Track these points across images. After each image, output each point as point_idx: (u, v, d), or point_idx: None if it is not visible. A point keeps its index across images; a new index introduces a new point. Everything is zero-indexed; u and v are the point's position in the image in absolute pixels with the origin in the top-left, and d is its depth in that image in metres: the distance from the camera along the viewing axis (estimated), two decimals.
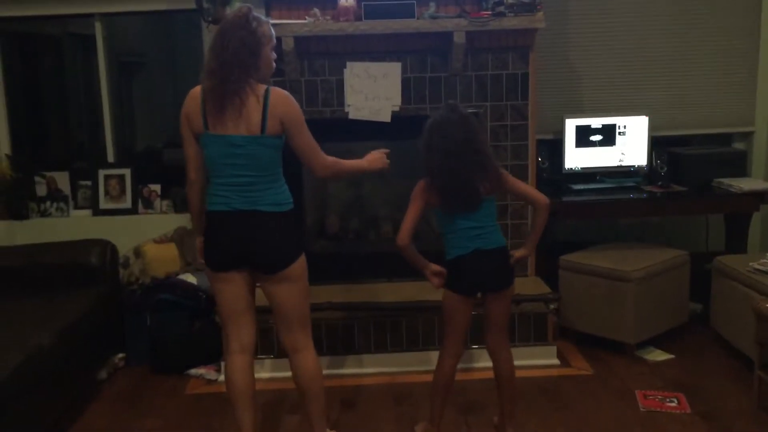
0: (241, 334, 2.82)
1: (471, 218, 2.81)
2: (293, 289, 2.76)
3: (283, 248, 2.71)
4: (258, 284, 2.81)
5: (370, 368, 3.78)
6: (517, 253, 2.96)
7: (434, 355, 3.57)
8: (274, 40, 2.73)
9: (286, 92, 2.66)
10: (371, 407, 3.45)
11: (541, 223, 2.93)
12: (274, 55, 2.73)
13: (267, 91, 2.61)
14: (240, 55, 2.57)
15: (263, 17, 2.69)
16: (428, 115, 3.74)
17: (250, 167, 2.63)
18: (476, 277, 2.84)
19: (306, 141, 2.68)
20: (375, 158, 2.94)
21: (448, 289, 2.88)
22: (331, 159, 2.76)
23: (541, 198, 2.90)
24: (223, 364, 3.70)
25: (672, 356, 3.86)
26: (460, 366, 3.01)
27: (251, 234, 2.66)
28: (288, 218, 2.72)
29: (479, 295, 2.90)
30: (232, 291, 2.76)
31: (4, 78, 4.54)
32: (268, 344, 3.66)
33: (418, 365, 3.73)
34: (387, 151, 2.97)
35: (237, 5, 3.63)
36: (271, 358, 3.71)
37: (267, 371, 3.70)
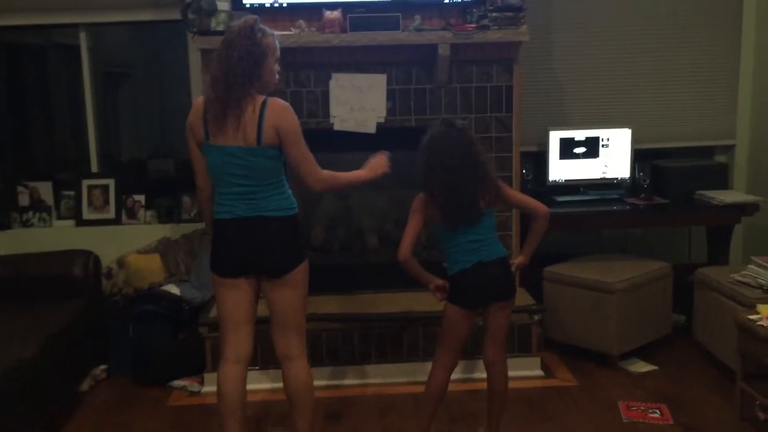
0: (238, 344, 2.81)
1: (472, 232, 2.81)
2: (294, 295, 2.78)
3: (286, 251, 2.73)
4: (261, 295, 2.82)
5: (355, 380, 3.77)
6: (516, 261, 3.00)
7: (420, 367, 3.58)
8: (278, 52, 2.75)
9: (284, 103, 2.67)
10: (356, 419, 3.43)
11: (540, 231, 2.95)
12: (277, 67, 2.75)
13: (264, 102, 2.62)
14: (244, 64, 2.58)
15: (269, 30, 2.71)
16: (413, 126, 3.81)
17: (251, 177, 2.64)
18: (479, 290, 2.84)
19: (301, 153, 2.67)
20: (376, 165, 2.93)
21: (452, 304, 2.86)
22: (326, 173, 2.75)
23: (542, 208, 2.92)
24: (206, 375, 3.71)
25: (655, 367, 3.88)
26: (453, 377, 3.01)
27: (255, 237, 2.67)
28: (292, 222, 2.74)
29: (481, 309, 2.90)
30: (237, 299, 2.77)
31: None
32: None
33: (403, 376, 3.73)
34: (388, 154, 2.96)
35: (222, 16, 3.67)
36: (256, 369, 3.69)
37: (251, 383, 3.67)
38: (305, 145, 2.68)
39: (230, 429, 2.80)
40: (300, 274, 2.76)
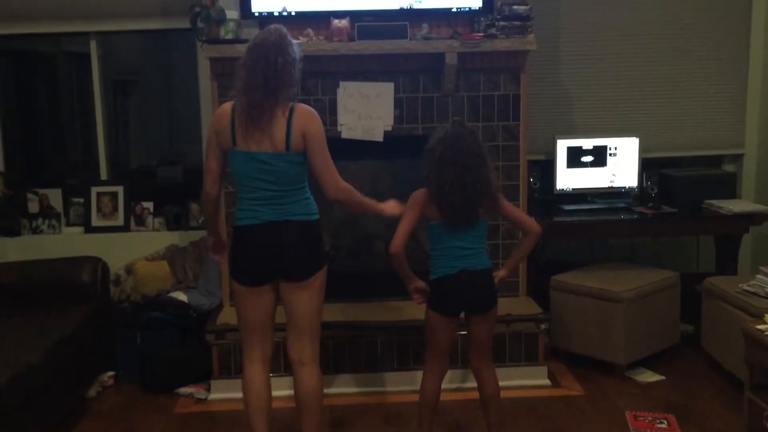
0: (263, 345, 2.87)
1: (464, 238, 2.82)
2: (313, 299, 2.82)
3: (311, 254, 2.78)
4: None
5: (361, 387, 3.77)
6: (499, 274, 2.98)
7: None
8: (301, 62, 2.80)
9: (311, 109, 2.73)
10: (361, 427, 3.43)
11: (527, 249, 2.98)
12: None
13: (292, 108, 2.68)
14: (288, 71, 2.65)
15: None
16: (421, 135, 3.81)
17: (277, 182, 2.69)
18: (459, 298, 2.85)
19: (324, 159, 2.72)
20: (392, 205, 2.98)
21: (431, 310, 2.88)
22: (346, 184, 2.78)
23: (534, 226, 2.93)
24: (212, 382, 3.72)
25: (662, 377, 3.86)
26: (448, 386, 3.01)
27: (281, 241, 2.71)
28: (316, 227, 2.79)
29: (462, 315, 2.90)
30: (261, 305, 2.81)
31: None
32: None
33: (408, 385, 3.72)
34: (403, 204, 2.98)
35: (231, 25, 3.69)
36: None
37: None
38: (328, 152, 2.73)
39: (260, 426, 2.84)
40: (320, 278, 2.82)
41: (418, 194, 2.85)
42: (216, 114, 2.78)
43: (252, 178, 2.69)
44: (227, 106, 2.72)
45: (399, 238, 2.81)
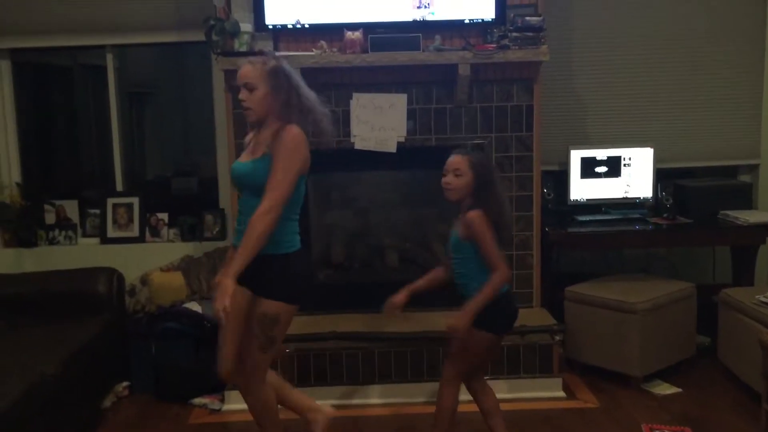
0: None
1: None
2: None
3: None
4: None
5: (375, 399, 3.76)
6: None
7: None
8: None
9: None
10: None
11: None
12: None
13: None
14: None
15: None
16: (434, 146, 3.82)
17: None
18: (513, 314, 2.89)
19: None
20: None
21: (488, 332, 2.82)
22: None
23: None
24: (226, 393, 3.72)
25: (679, 390, 3.82)
26: (462, 398, 3.00)
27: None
28: None
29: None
30: None
31: (16, 107, 4.62)
32: None
33: (422, 396, 3.71)
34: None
35: (245, 37, 3.72)
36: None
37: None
38: None
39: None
40: None
41: (482, 215, 2.75)
42: (302, 139, 2.64)
43: (302, 201, 2.78)
44: (301, 130, 2.65)
45: (503, 259, 2.76)
